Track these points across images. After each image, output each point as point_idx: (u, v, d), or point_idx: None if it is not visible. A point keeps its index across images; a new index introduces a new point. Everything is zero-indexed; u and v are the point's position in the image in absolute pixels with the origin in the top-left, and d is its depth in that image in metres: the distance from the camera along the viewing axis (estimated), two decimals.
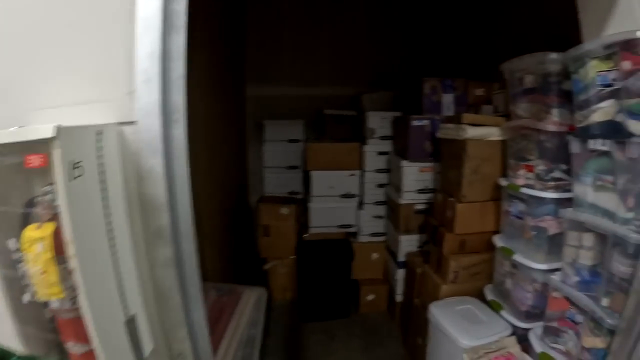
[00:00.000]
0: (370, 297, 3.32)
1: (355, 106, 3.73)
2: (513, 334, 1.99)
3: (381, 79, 3.96)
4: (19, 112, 1.08)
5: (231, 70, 3.39)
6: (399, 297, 3.12)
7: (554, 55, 1.77)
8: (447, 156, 2.63)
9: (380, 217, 3.40)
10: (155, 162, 1.12)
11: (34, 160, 0.86)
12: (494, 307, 2.16)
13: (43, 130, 0.83)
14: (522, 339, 1.96)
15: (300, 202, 3.61)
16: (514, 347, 1.91)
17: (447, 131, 2.53)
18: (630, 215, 1.44)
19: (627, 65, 1.38)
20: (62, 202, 0.86)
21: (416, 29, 4.07)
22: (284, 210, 3.34)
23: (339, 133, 3.64)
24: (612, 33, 1.46)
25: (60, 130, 0.84)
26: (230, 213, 3.28)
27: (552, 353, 1.77)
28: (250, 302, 2.15)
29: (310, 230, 3.39)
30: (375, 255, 3.36)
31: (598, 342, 1.54)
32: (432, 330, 2.21)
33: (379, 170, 3.36)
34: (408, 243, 3.04)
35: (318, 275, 3.20)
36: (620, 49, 1.39)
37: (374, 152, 3.33)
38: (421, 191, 3.01)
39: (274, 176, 3.76)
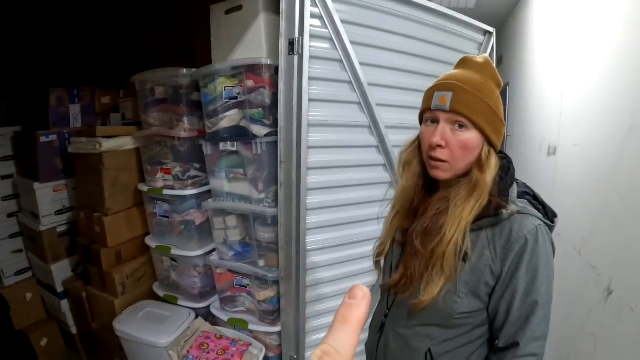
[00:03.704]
0: (44, 342, 2.85)
1: None
2: (197, 316, 2.22)
3: None
4: None
5: None
6: (73, 330, 2.85)
7: (184, 71, 2.02)
8: (83, 171, 2.54)
9: (20, 250, 2.92)
10: None
11: None
12: (170, 300, 2.34)
13: None
14: (207, 316, 2.24)
15: None
16: (205, 325, 2.15)
17: (80, 146, 2.43)
18: (262, 196, 1.89)
19: (250, 83, 1.78)
20: None
21: (35, 32, 3.55)
22: None
23: None
24: (240, 57, 1.83)
25: None
26: None
27: (238, 315, 2.13)
28: None
29: None
30: (29, 295, 2.89)
31: (269, 293, 1.98)
32: (126, 346, 2.18)
33: (5, 198, 2.85)
34: (61, 270, 2.78)
35: None
36: (246, 70, 1.77)
37: None
38: (60, 212, 2.78)
39: None
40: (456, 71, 1.00)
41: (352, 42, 1.75)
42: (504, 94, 4.02)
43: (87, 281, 2.61)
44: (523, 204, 0.95)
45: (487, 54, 2.23)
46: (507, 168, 0.98)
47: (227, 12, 1.89)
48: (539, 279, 0.88)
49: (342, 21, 1.71)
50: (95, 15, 3.46)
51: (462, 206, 0.92)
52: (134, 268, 2.48)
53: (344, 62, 1.77)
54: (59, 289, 2.78)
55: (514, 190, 0.96)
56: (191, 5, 2.23)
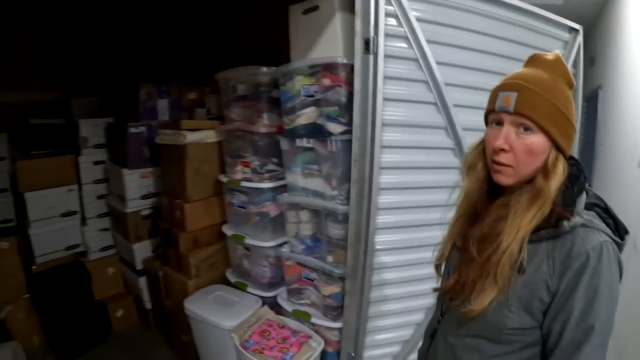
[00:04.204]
0: (119, 314, 3.15)
1: (64, 112, 3.30)
2: (264, 304, 2.29)
3: (88, 81, 3.58)
4: None
5: None
6: (148, 305, 3.08)
7: (264, 69, 2.10)
8: (168, 161, 2.72)
9: (106, 229, 3.23)
10: None
11: None
12: (240, 287, 2.43)
13: None
14: (273, 305, 2.30)
15: (16, 230, 3.01)
16: (269, 314, 2.22)
17: (166, 137, 2.60)
18: (335, 192, 1.91)
19: (327, 81, 1.81)
20: None
21: (126, 30, 3.80)
22: (4, 244, 2.75)
23: (47, 145, 3.18)
24: (317, 56, 1.87)
25: None
26: None
27: (302, 308, 2.17)
28: None
29: (37, 261, 2.89)
30: (111, 270, 3.19)
31: (335, 289, 1.99)
32: (194, 325, 2.31)
33: (97, 181, 3.16)
34: (142, 250, 3.02)
35: (60, 308, 2.81)
36: (322, 69, 1.81)
37: (89, 162, 3.11)
38: (145, 197, 3.02)
39: None
40: (523, 70, 0.94)
41: (428, 41, 1.71)
42: (595, 98, 3.75)
43: (164, 262, 2.79)
44: (589, 217, 0.86)
45: (569, 52, 2.11)
46: (575, 176, 0.90)
47: (305, 12, 1.93)
48: (598, 302, 0.79)
49: (418, 19, 1.68)
50: (184, 17, 3.67)
51: (522, 214, 0.86)
52: (209, 253, 2.62)
53: (420, 61, 1.74)
54: (139, 266, 3.02)
55: (582, 200, 0.88)
56: (274, 6, 2.30)
